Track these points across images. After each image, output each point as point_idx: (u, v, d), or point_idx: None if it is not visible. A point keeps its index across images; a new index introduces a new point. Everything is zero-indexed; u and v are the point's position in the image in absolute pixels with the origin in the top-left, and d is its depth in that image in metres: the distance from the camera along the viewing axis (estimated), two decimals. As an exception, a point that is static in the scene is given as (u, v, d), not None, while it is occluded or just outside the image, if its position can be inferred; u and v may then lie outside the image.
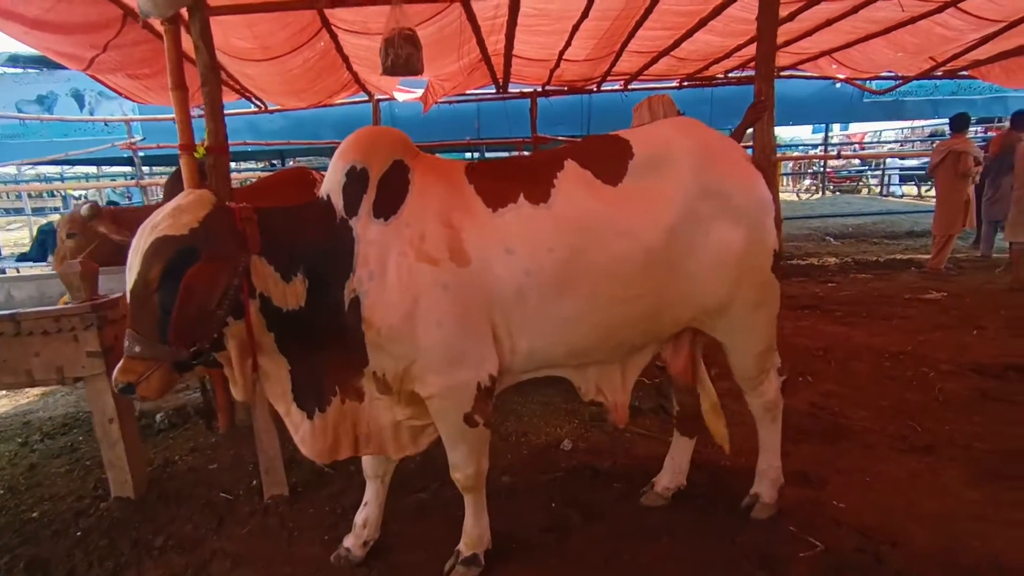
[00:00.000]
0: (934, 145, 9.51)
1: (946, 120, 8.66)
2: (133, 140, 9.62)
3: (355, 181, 1.90)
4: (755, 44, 6.21)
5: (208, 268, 1.64)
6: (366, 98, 7.96)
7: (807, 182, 19.05)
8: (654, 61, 7.19)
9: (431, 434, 2.11)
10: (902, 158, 16.83)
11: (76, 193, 15.17)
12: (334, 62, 6.04)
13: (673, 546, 2.34)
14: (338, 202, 1.90)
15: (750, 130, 3.13)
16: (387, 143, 1.98)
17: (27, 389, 4.50)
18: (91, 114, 11.70)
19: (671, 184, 2.02)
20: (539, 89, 8.50)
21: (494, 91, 8.38)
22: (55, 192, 17.48)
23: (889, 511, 2.48)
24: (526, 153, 10.04)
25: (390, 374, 1.92)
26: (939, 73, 7.63)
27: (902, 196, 16.02)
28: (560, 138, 9.97)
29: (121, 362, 1.69)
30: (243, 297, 1.76)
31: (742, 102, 3.79)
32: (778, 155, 11.85)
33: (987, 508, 2.48)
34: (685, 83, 8.47)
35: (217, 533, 2.59)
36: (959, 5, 5.36)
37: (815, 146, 18.62)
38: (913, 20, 5.72)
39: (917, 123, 16.70)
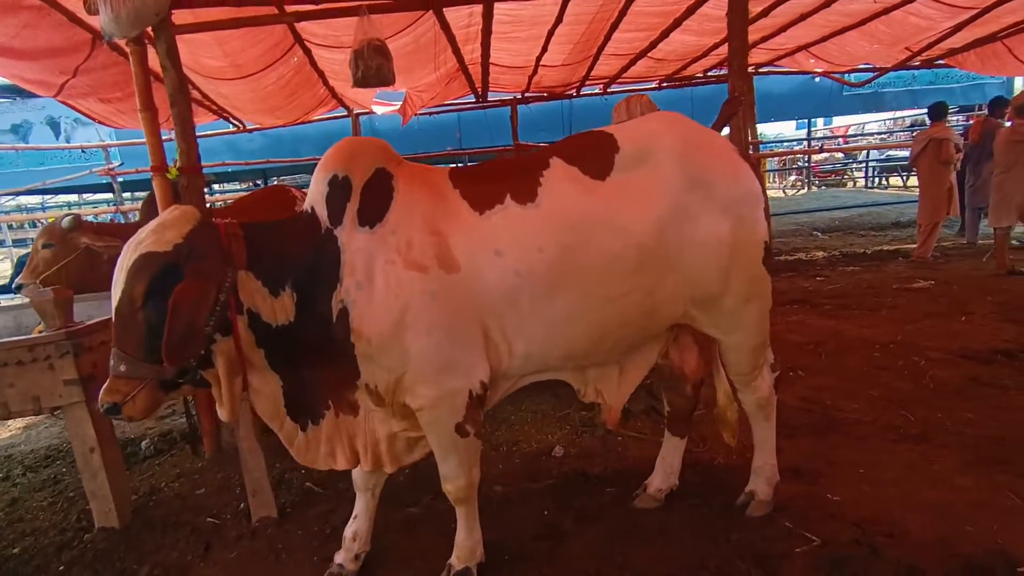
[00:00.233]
0: (913, 135, 9.58)
1: (926, 110, 8.74)
2: (111, 166, 9.56)
3: (338, 190, 1.87)
4: (730, 41, 6.27)
5: (195, 285, 1.62)
6: (345, 113, 7.95)
7: (792, 178, 19.17)
8: (632, 63, 7.21)
9: (426, 445, 2.07)
10: (882, 150, 16.95)
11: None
12: (309, 77, 6.02)
13: (668, 547, 2.30)
14: (322, 212, 1.88)
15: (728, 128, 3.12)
16: (368, 151, 1.96)
17: (8, 423, 4.42)
18: (67, 141, 11.64)
19: (657, 176, 1.99)
20: (519, 96, 8.53)
21: (474, 100, 8.40)
22: (36, 223, 17.35)
23: (884, 502, 2.45)
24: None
25: (382, 386, 1.89)
26: (916, 63, 7.69)
27: (887, 188, 16.14)
28: (543, 144, 10.00)
29: (107, 382, 1.66)
30: (230, 313, 1.73)
31: (722, 100, 3.78)
32: (761, 152, 11.91)
33: (982, 494, 2.46)
34: (664, 84, 8.52)
35: (204, 559, 2.53)
36: (930, -6, 5.41)
37: (799, 141, 18.75)
38: (886, 11, 5.76)
39: (898, 114, 16.85)
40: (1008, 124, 6.61)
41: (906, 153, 9.98)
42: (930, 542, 2.18)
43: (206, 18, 3.32)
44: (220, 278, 1.70)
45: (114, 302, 1.66)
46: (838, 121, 21.54)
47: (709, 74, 8.35)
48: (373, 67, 3.36)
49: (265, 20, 3.27)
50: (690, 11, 5.53)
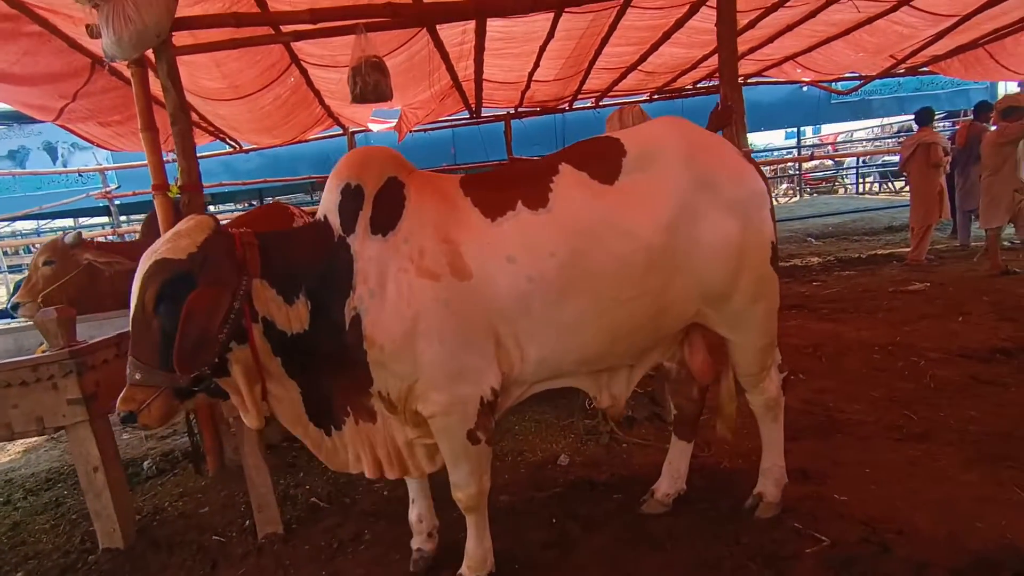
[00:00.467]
0: (901, 141, 9.71)
1: (913, 116, 8.87)
2: (108, 189, 9.58)
3: (350, 199, 1.90)
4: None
5: (208, 292, 1.64)
6: (340, 131, 8.01)
7: (784, 186, 19.33)
8: (623, 77, 7.33)
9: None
10: (869, 156, 17.16)
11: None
12: (306, 97, 6.08)
13: (677, 552, 2.30)
14: (335, 221, 1.90)
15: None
16: (380, 160, 1.99)
17: (8, 446, 4.38)
18: (64, 166, 11.66)
19: (664, 178, 2.01)
20: (512, 111, 8.63)
21: (467, 116, 8.48)
22: (31, 247, 17.31)
23: (891, 500, 2.46)
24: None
25: (394, 393, 1.89)
26: (901, 70, 7.84)
27: (878, 193, 16.31)
28: (537, 158, 10.08)
29: (123, 391, 1.67)
30: (245, 321, 1.75)
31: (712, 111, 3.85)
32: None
33: (988, 489, 2.47)
34: (655, 96, 8.64)
35: (210, 578, 2.51)
36: (912, 3, 5.53)
37: (789, 150, 18.95)
38: (870, 20, 5.89)
39: (885, 121, 17.07)
40: (994, 128, 6.72)
41: (896, 158, 10.09)
42: (939, 538, 2.19)
43: (205, 39, 3.36)
44: (234, 286, 1.72)
45: (131, 310, 1.69)
46: (826, 129, 21.83)
47: (699, 85, 8.48)
48: (371, 83, 3.40)
49: (263, 40, 3.32)
50: (679, 24, 5.63)
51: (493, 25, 5.04)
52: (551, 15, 4.93)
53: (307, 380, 1.91)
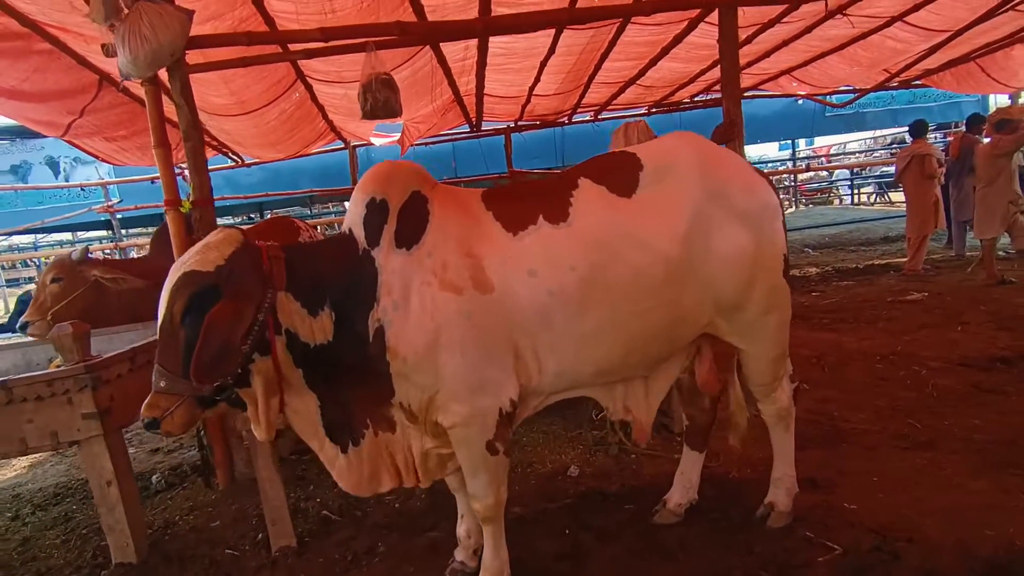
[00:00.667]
0: (893, 153, 9.85)
1: (906, 128, 8.99)
2: (111, 203, 9.60)
3: (375, 213, 1.93)
4: (717, 68, 6.48)
5: (231, 306, 1.67)
6: (342, 145, 8.07)
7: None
8: (622, 91, 7.42)
9: (457, 461, 2.09)
10: (863, 167, 17.35)
11: (47, 260, 14.97)
12: (310, 112, 6.15)
13: (690, 562, 2.32)
14: (360, 234, 1.94)
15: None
16: (404, 175, 2.03)
17: (14, 461, 4.37)
18: (66, 180, 11.69)
19: (680, 190, 2.06)
20: (512, 125, 8.70)
21: (468, 130, 8.56)
22: (28, 262, 17.25)
23: (900, 509, 2.49)
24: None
25: (415, 404, 1.92)
26: (894, 84, 7.97)
27: (873, 204, 16.47)
28: (536, 171, 10.16)
29: (148, 397, 1.70)
30: (268, 334, 1.77)
31: (710, 124, 3.93)
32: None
33: (995, 497, 2.50)
34: (653, 110, 8.74)
35: (225, 592, 2.51)
36: (905, 19, 5.65)
37: (783, 162, 19.13)
38: (864, 35, 6.00)
39: (878, 133, 17.28)
40: (987, 140, 6.83)
41: (891, 169, 10.22)
42: (950, 546, 2.22)
43: (216, 57, 3.41)
44: (259, 299, 1.75)
45: (159, 319, 1.72)
46: (820, 141, 22.06)
47: (696, 99, 8.58)
48: (381, 100, 3.46)
49: (273, 58, 3.37)
50: (677, 40, 5.72)
51: (495, 41, 5.12)
52: (552, 31, 5.01)
53: (327, 392, 1.93)
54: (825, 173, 18.80)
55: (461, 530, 2.42)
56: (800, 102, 10.63)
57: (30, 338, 3.97)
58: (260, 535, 2.84)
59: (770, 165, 18.80)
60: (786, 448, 2.48)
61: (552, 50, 5.48)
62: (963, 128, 8.87)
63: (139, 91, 4.52)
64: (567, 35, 5.20)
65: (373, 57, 3.33)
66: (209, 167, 3.18)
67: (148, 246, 4.96)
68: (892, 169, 9.41)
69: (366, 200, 1.95)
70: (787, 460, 2.48)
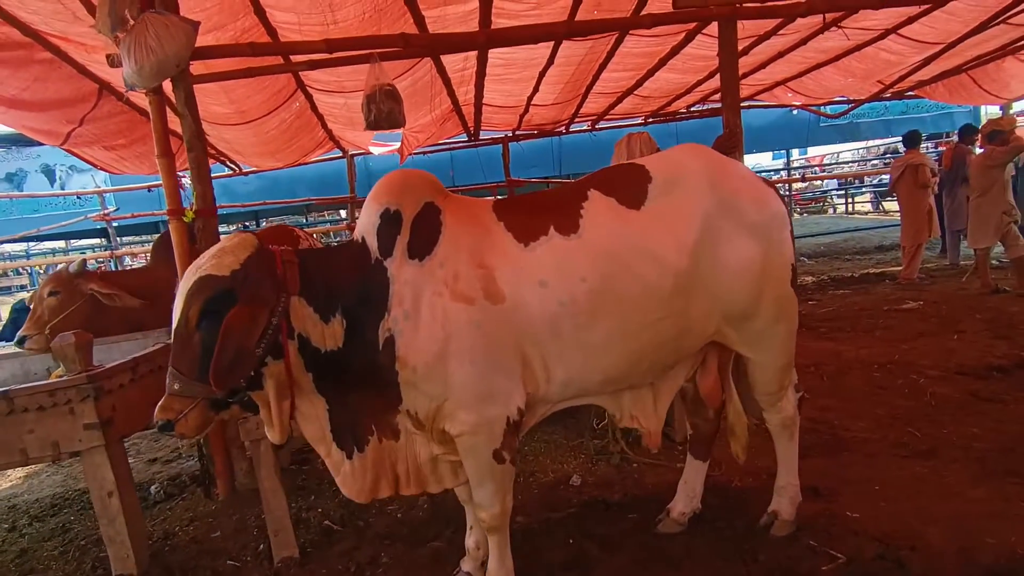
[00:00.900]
0: (887, 163, 9.95)
1: (899, 138, 9.08)
2: (107, 211, 9.58)
3: (389, 223, 1.95)
4: (713, 79, 6.56)
5: (247, 310, 1.68)
6: (340, 154, 8.09)
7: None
8: (619, 101, 7.48)
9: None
10: (859, 177, 17.51)
11: (42, 269, 14.90)
12: (309, 121, 6.17)
13: (696, 571, 2.33)
14: (372, 243, 1.95)
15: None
16: (418, 185, 2.04)
17: (9, 471, 4.33)
18: (62, 188, 11.65)
19: (689, 202, 2.08)
20: (510, 134, 8.75)
21: (466, 139, 8.60)
22: (20, 270, 17.16)
23: (902, 517, 2.50)
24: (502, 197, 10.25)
25: (423, 413, 1.93)
26: (888, 95, 8.05)
27: (867, 213, 16.61)
28: (533, 180, 10.21)
29: (162, 400, 1.72)
30: (282, 338, 1.79)
31: (707, 134, 3.97)
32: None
33: (996, 505, 2.52)
34: (650, 119, 8.80)
35: (227, 604, 2.50)
36: (899, 31, 5.72)
37: (777, 171, 19.28)
38: (859, 47, 6.09)
39: (872, 143, 17.45)
40: (980, 150, 6.91)
41: (885, 178, 10.31)
42: (952, 554, 2.23)
43: (219, 68, 3.43)
44: (273, 303, 1.77)
45: (174, 322, 1.74)
46: (813, 151, 22.26)
47: (692, 109, 8.65)
48: (385, 111, 3.48)
49: (277, 69, 3.39)
50: (674, 51, 5.78)
51: (495, 51, 5.16)
52: (552, 42, 5.06)
53: (335, 397, 1.94)
54: (819, 182, 18.94)
55: (470, 541, 2.41)
56: (795, 112, 10.74)
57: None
58: (262, 546, 2.83)
59: (763, 175, 18.93)
60: (790, 457, 2.49)
61: (551, 60, 5.53)
62: (956, 138, 8.97)
63: (138, 100, 4.54)
64: (566, 46, 5.25)
65: (377, 68, 3.35)
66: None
67: (143, 255, 4.95)
68: (888, 178, 9.49)
69: (380, 210, 1.97)
70: (791, 469, 2.49)
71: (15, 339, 3.94)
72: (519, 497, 3.06)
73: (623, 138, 3.36)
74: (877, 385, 4.07)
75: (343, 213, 15.37)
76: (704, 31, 5.14)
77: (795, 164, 17.66)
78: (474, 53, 5.17)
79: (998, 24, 5.60)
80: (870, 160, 18.07)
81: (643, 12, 4.52)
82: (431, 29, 4.32)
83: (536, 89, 6.40)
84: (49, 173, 11.87)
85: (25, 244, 16.23)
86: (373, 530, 2.91)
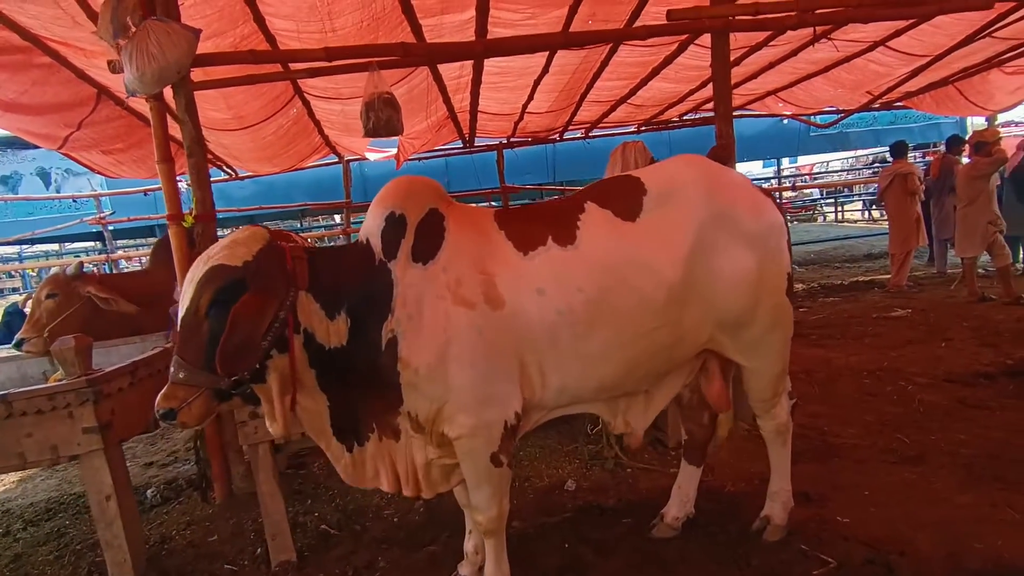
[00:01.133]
0: (876, 172, 10.09)
1: (886, 148, 9.21)
2: (103, 215, 9.54)
3: (394, 226, 1.99)
4: (705, 88, 6.64)
5: (257, 299, 1.72)
6: (336, 160, 8.11)
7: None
8: (613, 109, 7.54)
9: (460, 474, 2.12)
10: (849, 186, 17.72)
11: (35, 273, 14.78)
12: (306, 127, 6.19)
13: (689, 574, 2.37)
14: (376, 244, 1.99)
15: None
16: (423, 191, 2.09)
17: (3, 475, 4.31)
18: (58, 191, 11.60)
19: (684, 214, 2.12)
20: (504, 141, 8.80)
21: (461, 146, 8.64)
22: (13, 272, 17.01)
23: (892, 522, 2.55)
24: (495, 204, 10.29)
25: (423, 415, 1.96)
26: (876, 105, 8.17)
27: (857, 221, 16.80)
28: (528, 187, 10.26)
29: (164, 388, 1.73)
30: (288, 332, 1.82)
31: (699, 142, 4.03)
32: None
33: (982, 510, 2.57)
34: (643, 128, 8.88)
35: (224, 608, 2.51)
36: (888, 44, 5.83)
37: (767, 179, 19.47)
38: (848, 59, 6.19)
39: (861, 152, 17.67)
40: (967, 160, 7.03)
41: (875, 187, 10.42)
42: (941, 559, 2.28)
43: (218, 75, 3.46)
44: (282, 296, 1.80)
45: (181, 311, 1.76)
46: (803, 160, 22.49)
47: (685, 118, 8.74)
48: (383, 118, 3.52)
49: (278, 77, 3.41)
50: (667, 61, 5.85)
51: (491, 60, 5.21)
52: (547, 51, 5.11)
53: (337, 394, 1.97)
54: (809, 191, 19.15)
55: (469, 545, 2.44)
56: (786, 122, 10.87)
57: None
58: (259, 550, 2.84)
59: (754, 183, 19.10)
60: (783, 463, 2.54)
61: (546, 69, 5.59)
62: (943, 148, 9.12)
63: (136, 104, 4.56)
64: (561, 55, 5.30)
65: (376, 76, 3.39)
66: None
67: (138, 258, 4.95)
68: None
69: (385, 213, 2.00)
70: (784, 474, 2.54)
71: (13, 342, 3.94)
72: (515, 502, 3.09)
73: (618, 147, 3.41)
74: (867, 392, 4.14)
75: (338, 218, 15.39)
76: (697, 42, 5.21)
77: (785, 173, 17.84)
78: (470, 61, 5.22)
79: (983, 37, 5.72)
80: (858, 169, 18.28)
81: (637, 23, 4.60)
82: (428, 37, 4.37)
83: (531, 97, 6.45)
84: (44, 176, 11.81)
85: (18, 247, 16.10)
86: (370, 534, 2.93)
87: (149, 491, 3.64)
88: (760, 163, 20.82)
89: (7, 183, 11.74)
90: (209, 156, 6.42)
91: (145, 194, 8.34)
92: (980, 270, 7.16)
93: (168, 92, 3.07)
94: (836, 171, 20.93)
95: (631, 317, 2.04)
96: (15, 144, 10.78)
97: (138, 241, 14.86)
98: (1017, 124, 15.13)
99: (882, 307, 6.66)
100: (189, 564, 2.84)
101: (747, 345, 2.26)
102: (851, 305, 7.02)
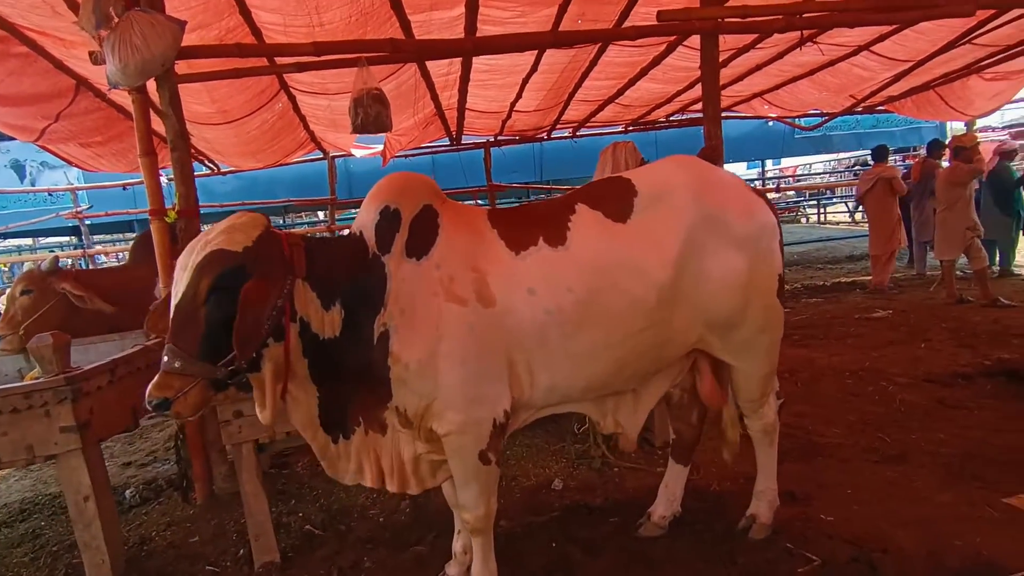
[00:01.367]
0: (859, 175, 10.22)
1: (868, 151, 9.34)
2: (79, 209, 9.35)
3: (388, 220, 1.98)
4: (693, 89, 6.67)
5: (263, 284, 1.69)
6: (321, 156, 8.03)
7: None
8: (600, 108, 7.56)
9: (447, 469, 2.11)
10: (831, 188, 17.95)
11: (6, 268, 14.43)
12: (291, 122, 6.12)
13: (676, 572, 2.37)
14: (370, 237, 1.97)
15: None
16: (418, 187, 2.07)
17: (-25, 477, 4.20)
18: (32, 184, 11.34)
19: (674, 215, 2.12)
20: (492, 139, 8.78)
21: (448, 143, 8.61)
22: (-15, 267, 16.62)
23: (874, 520, 2.58)
24: (481, 202, 10.26)
25: (411, 410, 1.95)
26: (859, 109, 8.29)
27: (838, 223, 17.03)
28: (515, 185, 10.24)
29: (156, 377, 1.67)
30: (285, 320, 1.79)
31: (686, 143, 4.05)
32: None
33: (962, 509, 2.62)
34: (630, 128, 8.91)
35: (206, 609, 2.47)
36: (871, 48, 5.91)
37: (751, 181, 19.67)
38: (833, 63, 6.27)
39: (844, 155, 17.92)
40: (947, 164, 7.15)
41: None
42: (922, 557, 2.31)
43: (203, 68, 3.40)
44: (281, 284, 1.78)
45: (175, 298, 1.70)
46: (786, 162, 22.76)
47: (672, 119, 8.79)
48: (372, 114, 3.48)
49: (265, 71, 3.36)
50: (656, 62, 5.88)
51: (480, 57, 5.19)
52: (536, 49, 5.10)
53: (328, 386, 1.95)
54: (792, 192, 19.36)
55: (457, 545, 2.43)
56: (771, 124, 10.97)
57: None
58: (242, 551, 2.80)
59: (740, 183, 19.25)
60: (769, 462, 2.56)
61: (535, 68, 5.58)
62: (924, 152, 9.27)
63: (117, 97, 4.47)
64: (549, 54, 5.30)
65: (365, 72, 3.36)
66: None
67: (115, 253, 4.86)
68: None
69: (380, 207, 1.99)
70: (770, 474, 2.56)
71: None
72: (502, 501, 3.06)
73: (608, 147, 3.42)
74: (849, 392, 4.19)
75: (321, 215, 15.25)
76: (685, 43, 5.24)
77: (769, 174, 18.03)
78: (459, 58, 5.19)
79: (964, 44, 5.82)
80: (840, 172, 18.54)
81: (627, 23, 4.60)
82: (416, 33, 4.34)
83: (519, 95, 6.45)
84: (19, 169, 11.54)
85: (-10, 242, 15.74)
86: (355, 535, 2.90)
87: (128, 491, 3.57)
88: (744, 164, 21.06)
89: (-20, 176, 11.49)
90: (192, 150, 6.32)
91: (124, 188, 8.18)
92: (958, 272, 7.29)
93: (151, 85, 3.02)
94: (819, 173, 21.19)
95: (620, 318, 2.04)
96: (-11, 136, 10.57)
97: (116, 236, 14.59)
98: (994, 129, 15.44)
99: (864, 308, 6.75)
100: (170, 565, 2.79)
101: (736, 346, 2.27)
102: (834, 306, 7.11)
